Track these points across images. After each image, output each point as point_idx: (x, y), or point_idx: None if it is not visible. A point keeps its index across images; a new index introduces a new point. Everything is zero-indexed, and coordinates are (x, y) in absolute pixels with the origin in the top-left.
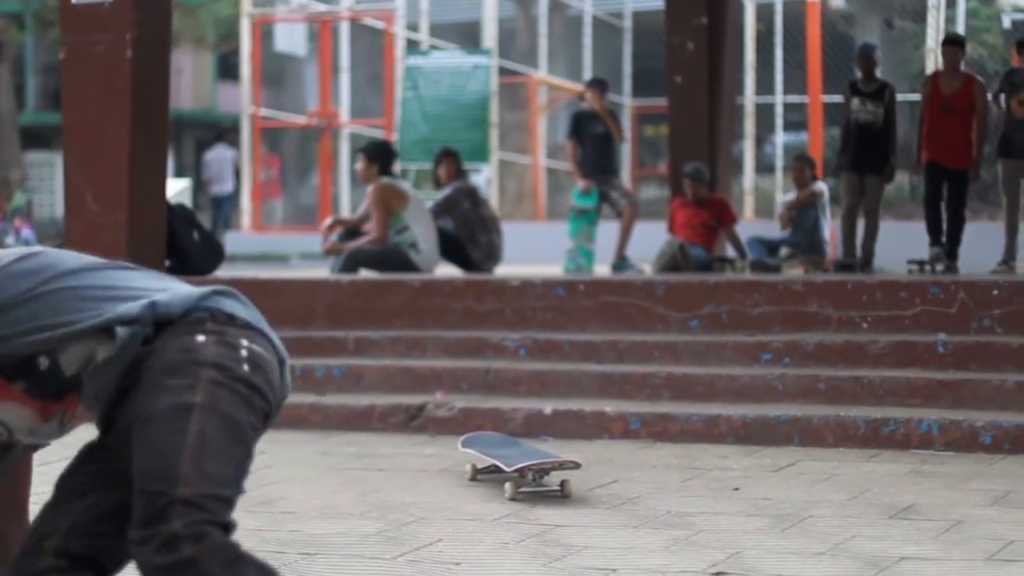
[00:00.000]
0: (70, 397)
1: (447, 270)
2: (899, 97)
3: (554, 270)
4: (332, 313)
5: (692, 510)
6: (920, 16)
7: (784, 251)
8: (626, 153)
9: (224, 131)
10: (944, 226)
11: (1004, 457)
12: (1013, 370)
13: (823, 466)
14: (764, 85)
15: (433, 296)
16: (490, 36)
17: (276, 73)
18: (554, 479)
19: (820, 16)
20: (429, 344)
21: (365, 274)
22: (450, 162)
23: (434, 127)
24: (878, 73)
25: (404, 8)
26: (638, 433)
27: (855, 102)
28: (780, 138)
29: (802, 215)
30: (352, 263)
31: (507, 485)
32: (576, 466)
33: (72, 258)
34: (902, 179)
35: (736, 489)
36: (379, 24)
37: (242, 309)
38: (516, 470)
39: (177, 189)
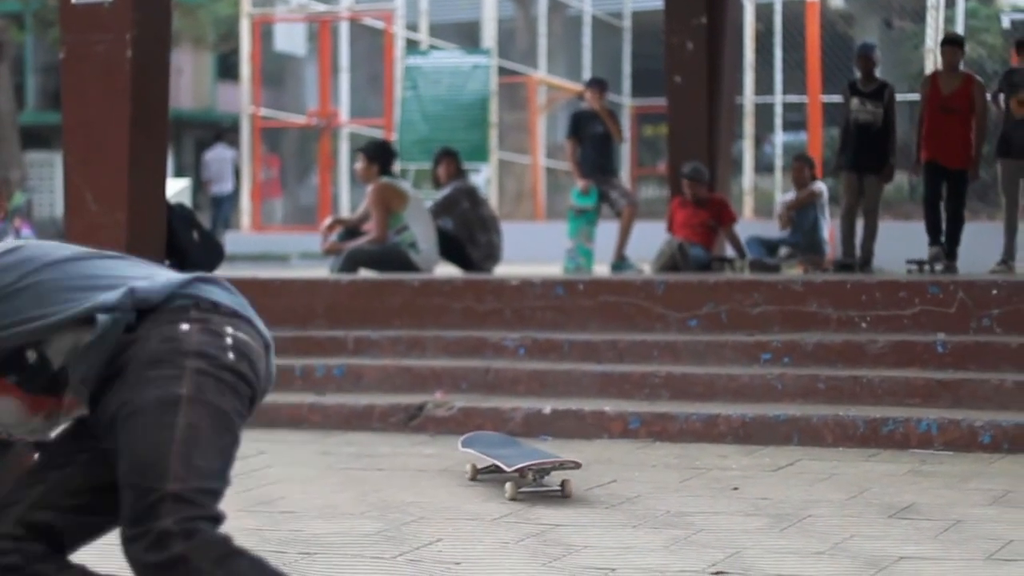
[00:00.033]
0: (61, 392)
1: (447, 270)
2: (898, 97)
3: (553, 270)
4: (332, 313)
5: (691, 510)
6: (919, 16)
7: (783, 251)
8: (625, 153)
9: (224, 131)
10: (943, 226)
11: (1003, 457)
12: (1012, 370)
13: (822, 466)
14: (763, 85)
15: (433, 296)
16: (489, 36)
17: (276, 73)
18: (554, 479)
19: (819, 16)
20: (429, 344)
21: (365, 274)
22: (449, 162)
23: (434, 127)
24: (877, 73)
25: (404, 8)
26: (637, 433)
27: (854, 102)
28: (779, 138)
29: (801, 215)
30: (352, 263)
31: (507, 485)
32: (576, 466)
33: (55, 249)
34: (901, 179)
35: (735, 489)
36: (379, 24)
37: (226, 296)
38: (516, 470)
39: (177, 189)
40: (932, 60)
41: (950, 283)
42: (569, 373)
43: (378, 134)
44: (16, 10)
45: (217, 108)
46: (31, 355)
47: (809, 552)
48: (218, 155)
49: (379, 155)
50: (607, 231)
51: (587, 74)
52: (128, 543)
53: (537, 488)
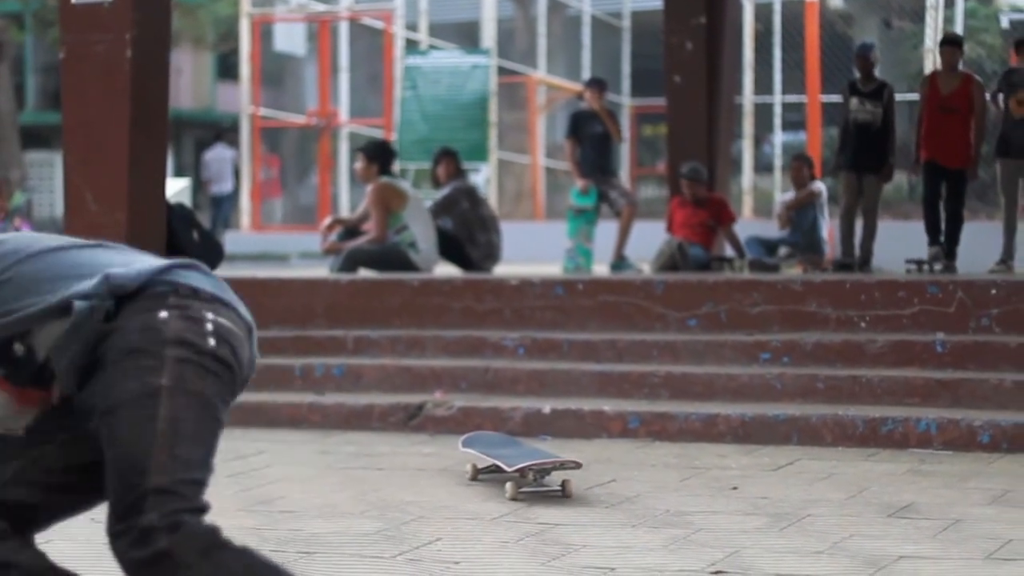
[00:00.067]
0: (49, 384)
1: (446, 269)
2: (898, 97)
3: (553, 269)
4: (331, 312)
5: (691, 509)
6: (918, 16)
7: (783, 251)
8: (625, 152)
9: (223, 131)
10: (942, 226)
11: (1002, 456)
12: (1011, 369)
13: (821, 465)
14: (762, 85)
15: (432, 295)
16: (489, 36)
17: (275, 73)
18: (555, 479)
19: (818, 16)
20: (428, 343)
21: (364, 273)
22: (449, 162)
23: (433, 127)
24: (877, 73)
25: (403, 8)
26: (637, 432)
27: (854, 102)
28: (779, 138)
29: (800, 215)
30: (351, 262)
31: (508, 485)
32: (577, 466)
33: (39, 241)
34: (900, 179)
35: (735, 488)
36: (378, 24)
37: (206, 281)
38: (517, 470)
39: (177, 189)
40: (931, 60)
41: (949, 283)
42: (568, 373)
43: (378, 134)
44: (16, 10)
45: (217, 108)
46: (18, 348)
47: (808, 551)
48: (218, 155)
49: (379, 155)
50: (606, 231)
51: (586, 74)
52: (114, 539)
53: (538, 488)
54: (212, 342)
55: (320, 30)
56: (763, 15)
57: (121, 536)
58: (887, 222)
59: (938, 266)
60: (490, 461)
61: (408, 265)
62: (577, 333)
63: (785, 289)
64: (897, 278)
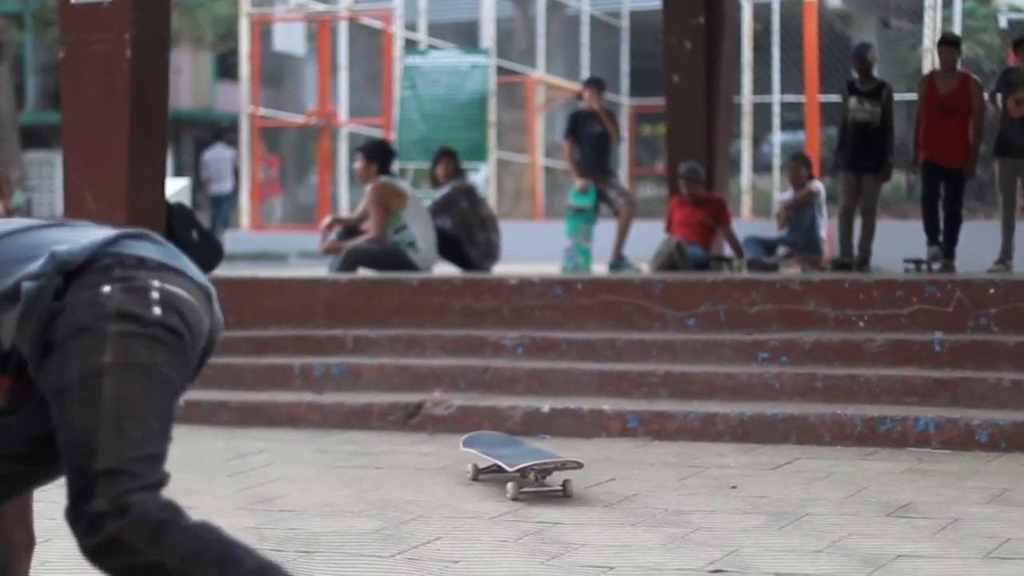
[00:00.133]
0: (23, 370)
1: (445, 269)
2: (896, 96)
3: (552, 269)
4: (330, 312)
5: (689, 508)
6: (917, 16)
7: (781, 250)
8: (624, 152)
9: (223, 130)
10: (941, 225)
11: (1000, 455)
12: (1009, 368)
13: (820, 464)
14: (761, 84)
15: (431, 295)
16: (488, 36)
17: (275, 72)
18: (556, 479)
19: (817, 16)
20: (427, 343)
21: (363, 273)
22: (448, 161)
23: (432, 126)
24: (875, 72)
25: (402, 8)
26: (636, 431)
27: (852, 101)
28: (777, 137)
29: (799, 214)
30: (350, 262)
31: (509, 485)
32: (578, 466)
33: (2, 225)
34: (899, 178)
35: (733, 487)
36: (377, 24)
37: (153, 249)
38: (518, 470)
39: (176, 188)
40: (930, 60)
41: (948, 282)
42: (567, 372)
43: (377, 133)
44: (16, 10)
45: (216, 108)
46: None
47: (807, 550)
48: (217, 155)
49: (378, 154)
50: (605, 230)
51: (585, 73)
52: (71, 527)
53: (539, 488)
54: (158, 311)
55: (319, 30)
56: (762, 15)
57: (76, 524)
58: (885, 221)
59: (936, 265)
60: (491, 461)
61: (407, 264)
62: (576, 332)
63: (784, 288)
64: (895, 277)
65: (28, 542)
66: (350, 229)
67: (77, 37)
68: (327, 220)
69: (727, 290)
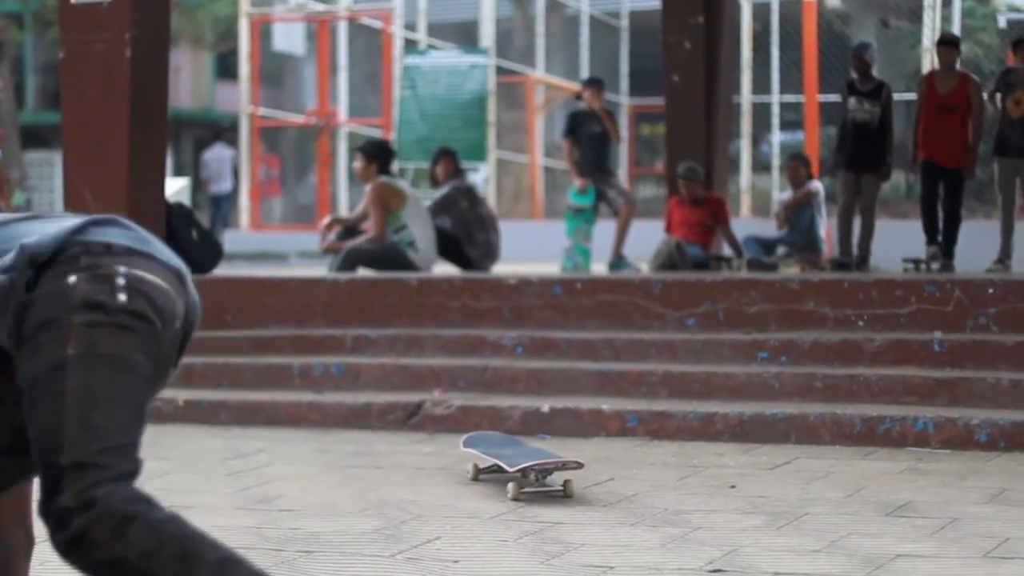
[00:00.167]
0: (8, 366)
1: (445, 268)
2: (895, 96)
3: (551, 269)
4: (330, 311)
5: (689, 508)
6: (916, 15)
7: (780, 250)
8: (623, 152)
9: (223, 130)
10: (940, 225)
11: (1000, 455)
12: (1009, 368)
13: (819, 464)
14: (760, 84)
15: (431, 294)
16: (488, 35)
17: (274, 72)
18: (557, 479)
19: (816, 15)
20: (427, 342)
21: (363, 272)
22: (448, 161)
23: (432, 126)
24: (874, 72)
25: (402, 8)
26: (635, 431)
27: (852, 101)
28: (776, 137)
29: (798, 214)
30: (350, 261)
31: (510, 485)
32: (579, 466)
33: None
34: (898, 178)
35: (732, 487)
36: (377, 24)
37: (121, 234)
38: (519, 470)
39: (176, 188)
40: (929, 59)
41: (947, 282)
42: (567, 371)
43: (376, 133)
44: (16, 10)
45: (216, 107)
46: None
47: (806, 550)
48: (217, 154)
49: (377, 154)
50: (605, 230)
51: (585, 73)
52: (44, 522)
53: (539, 488)
54: (123, 297)
55: (319, 30)
56: (761, 15)
57: (47, 520)
58: (885, 221)
59: (935, 265)
60: (492, 461)
61: (407, 264)
62: (575, 332)
63: (783, 288)
64: (895, 277)
65: (27, 542)
66: (350, 229)
67: (77, 37)
68: (327, 220)
69: (726, 290)
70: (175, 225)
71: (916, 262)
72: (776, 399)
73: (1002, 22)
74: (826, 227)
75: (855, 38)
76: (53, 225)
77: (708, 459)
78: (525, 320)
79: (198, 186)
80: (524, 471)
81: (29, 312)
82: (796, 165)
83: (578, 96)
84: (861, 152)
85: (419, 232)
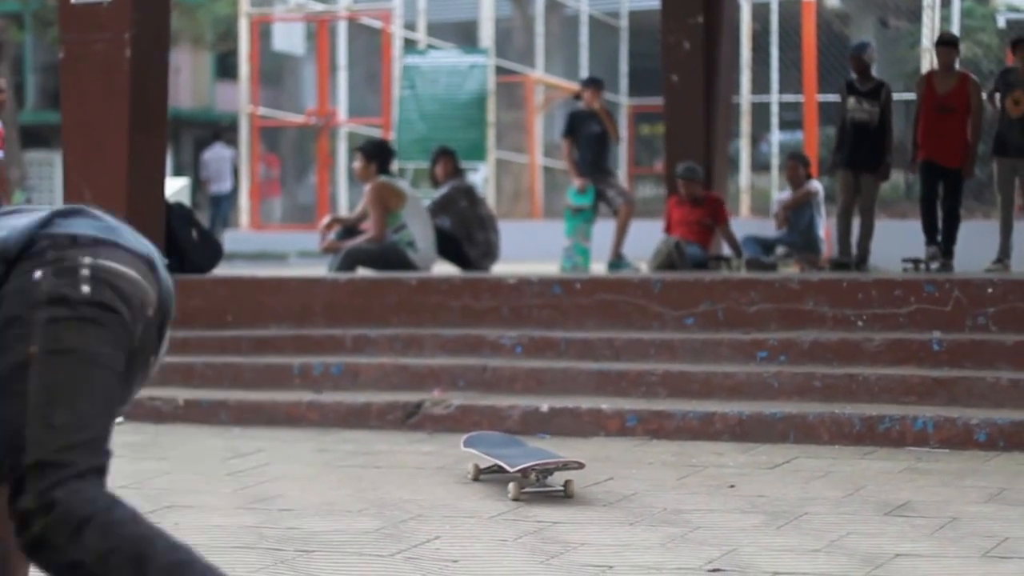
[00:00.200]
0: None
1: (444, 268)
2: (895, 96)
3: (551, 268)
4: (330, 311)
5: (688, 507)
6: (915, 15)
7: (780, 250)
8: (622, 152)
9: (222, 130)
10: (939, 225)
11: (999, 454)
12: (1008, 368)
13: (818, 463)
14: (760, 84)
15: (430, 294)
16: (487, 35)
17: (274, 72)
18: (557, 479)
19: (816, 15)
20: (426, 342)
21: (363, 272)
22: (447, 161)
23: (431, 126)
24: (873, 72)
25: (402, 8)
26: (634, 430)
27: (851, 101)
28: (776, 137)
29: (797, 214)
30: (350, 261)
31: (511, 486)
32: (580, 466)
33: None
34: (897, 178)
35: (732, 486)
36: (377, 23)
37: (88, 225)
38: (519, 470)
39: (176, 188)
40: (928, 59)
41: (946, 281)
42: (566, 371)
43: (376, 133)
44: (16, 10)
45: (216, 107)
46: None
47: (805, 549)
48: (217, 154)
49: (377, 154)
50: (604, 230)
51: (584, 73)
52: (11, 524)
53: (540, 489)
54: (87, 289)
55: (319, 30)
56: (760, 14)
57: (12, 520)
58: (884, 221)
59: (935, 265)
60: (492, 461)
61: (406, 264)
62: (575, 332)
63: (782, 288)
64: (894, 277)
65: None
66: (349, 229)
67: (77, 37)
68: (326, 220)
69: (725, 289)
70: (175, 225)
71: (915, 262)
72: (775, 399)
73: (1001, 22)
74: (825, 227)
75: (854, 38)
76: (23, 219)
77: (707, 459)
78: (524, 320)
79: (198, 186)
80: (525, 471)
81: (0, 308)
82: (795, 165)
83: (577, 96)
84: (860, 152)
85: (419, 232)
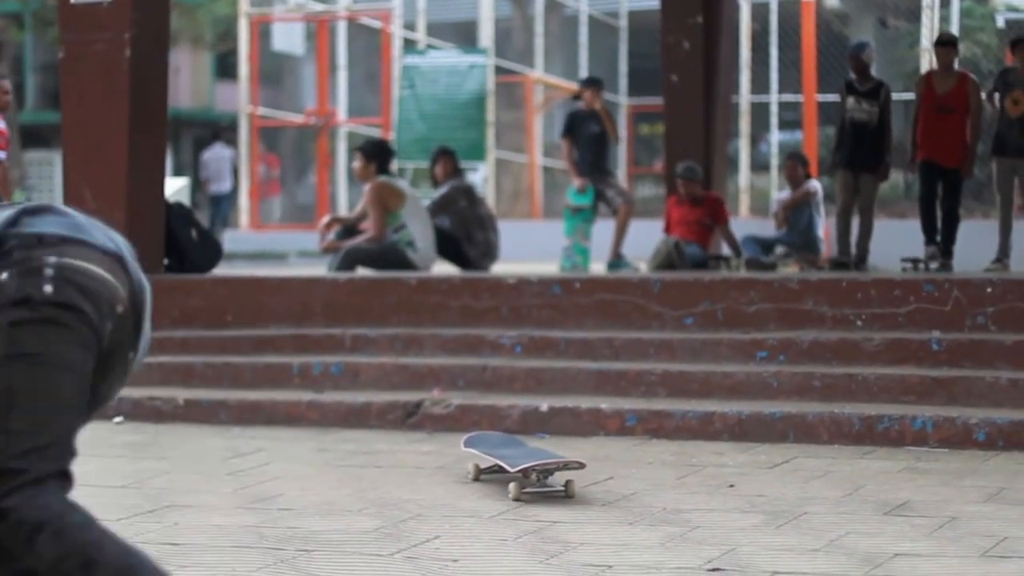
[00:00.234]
0: None
1: (444, 268)
2: (894, 96)
3: (550, 268)
4: (329, 311)
5: (687, 507)
6: (914, 15)
7: (779, 249)
8: (622, 152)
9: (222, 130)
10: (939, 225)
11: (998, 454)
12: (1007, 367)
13: (818, 463)
14: (759, 84)
15: (430, 294)
16: (487, 35)
17: (274, 72)
18: (558, 479)
19: (815, 15)
20: (426, 341)
21: (362, 272)
22: (447, 160)
23: (431, 126)
24: (872, 72)
25: (401, 7)
26: (634, 430)
27: (851, 101)
28: (775, 136)
29: (796, 214)
30: (349, 261)
31: (511, 486)
32: (581, 466)
33: None
34: (896, 177)
35: (731, 486)
36: (376, 23)
37: (55, 223)
38: (520, 471)
39: (175, 188)
40: (927, 59)
41: (945, 281)
42: (566, 371)
43: (376, 133)
44: (16, 10)
45: (215, 107)
46: None
47: (804, 549)
48: (216, 154)
49: (376, 154)
50: (603, 230)
51: (584, 73)
52: None
53: (541, 489)
54: (49, 289)
55: (318, 30)
56: (760, 14)
57: None
58: (883, 221)
59: (934, 265)
60: (493, 461)
61: (406, 264)
62: (574, 331)
63: (781, 287)
64: (893, 276)
65: None
66: (349, 228)
67: (76, 37)
68: (326, 219)
69: (725, 289)
70: (175, 225)
71: (914, 261)
72: (775, 398)
73: (1000, 22)
74: (824, 227)
75: (853, 38)
76: None
77: (707, 458)
78: (524, 319)
79: (198, 186)
80: (526, 471)
81: None
82: (794, 164)
83: (577, 96)
84: (860, 152)
85: (418, 231)
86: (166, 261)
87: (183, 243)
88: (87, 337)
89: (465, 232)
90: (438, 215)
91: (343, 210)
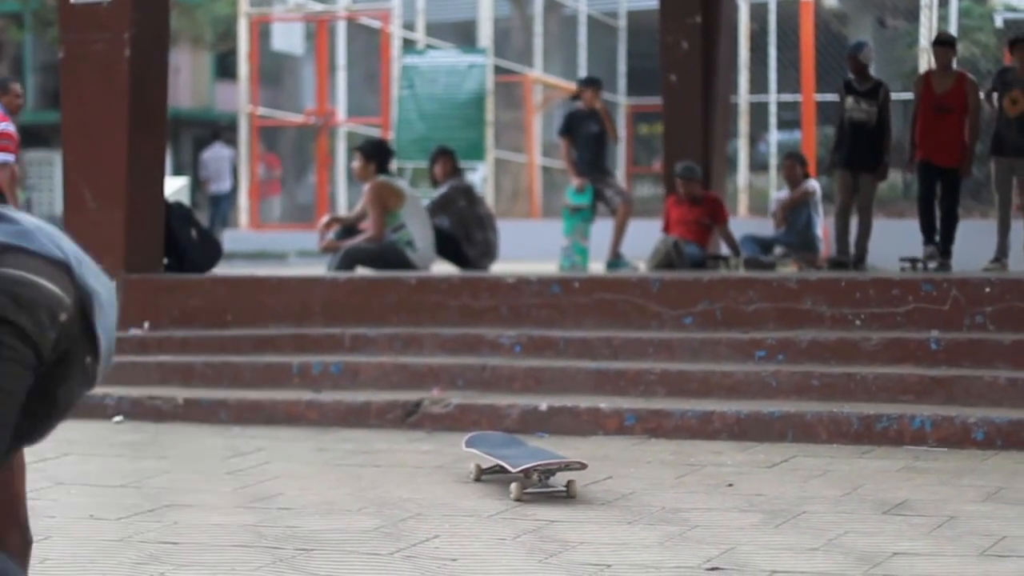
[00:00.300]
0: None
1: (443, 268)
2: (892, 96)
3: (549, 267)
4: (329, 310)
5: (686, 506)
6: (913, 15)
7: (778, 249)
8: (621, 151)
9: (222, 130)
10: (937, 224)
11: (997, 453)
12: (1005, 367)
13: (816, 462)
14: (758, 84)
15: (429, 293)
16: (486, 35)
17: (273, 72)
18: (559, 480)
19: (813, 15)
20: (425, 341)
21: (362, 272)
22: (446, 160)
23: (430, 126)
24: (871, 72)
25: (400, 7)
26: (633, 429)
27: (849, 101)
28: (774, 136)
29: (795, 213)
30: (349, 261)
31: (513, 486)
32: (582, 467)
33: None
34: (895, 177)
35: (730, 485)
36: (376, 23)
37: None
38: (521, 471)
39: (175, 187)
40: (926, 59)
41: (943, 281)
42: (565, 370)
43: (375, 133)
44: (16, 10)
45: (215, 107)
46: None
47: (803, 548)
48: (216, 154)
49: (376, 153)
50: (602, 229)
51: (583, 73)
52: None
53: (542, 489)
54: None
55: (318, 29)
56: (758, 14)
57: None
58: (882, 220)
59: (932, 264)
60: (494, 461)
61: (405, 263)
62: (573, 331)
63: (780, 287)
64: (892, 276)
65: (23, 543)
66: (348, 228)
67: (76, 37)
68: (325, 219)
69: (724, 289)
70: (174, 224)
71: (913, 261)
72: (773, 397)
73: (999, 21)
74: (823, 226)
75: (852, 38)
76: None
77: (706, 457)
78: (523, 319)
79: (197, 185)
80: (527, 472)
81: None
82: (792, 164)
83: (576, 96)
84: (858, 151)
85: (417, 231)
86: (166, 261)
87: (183, 243)
88: (21, 351)
89: (464, 232)
90: (437, 215)
91: (342, 210)
